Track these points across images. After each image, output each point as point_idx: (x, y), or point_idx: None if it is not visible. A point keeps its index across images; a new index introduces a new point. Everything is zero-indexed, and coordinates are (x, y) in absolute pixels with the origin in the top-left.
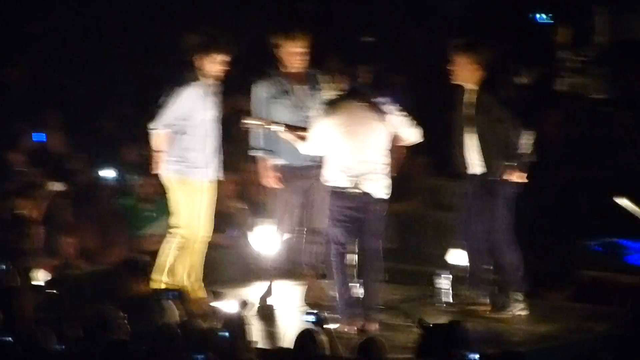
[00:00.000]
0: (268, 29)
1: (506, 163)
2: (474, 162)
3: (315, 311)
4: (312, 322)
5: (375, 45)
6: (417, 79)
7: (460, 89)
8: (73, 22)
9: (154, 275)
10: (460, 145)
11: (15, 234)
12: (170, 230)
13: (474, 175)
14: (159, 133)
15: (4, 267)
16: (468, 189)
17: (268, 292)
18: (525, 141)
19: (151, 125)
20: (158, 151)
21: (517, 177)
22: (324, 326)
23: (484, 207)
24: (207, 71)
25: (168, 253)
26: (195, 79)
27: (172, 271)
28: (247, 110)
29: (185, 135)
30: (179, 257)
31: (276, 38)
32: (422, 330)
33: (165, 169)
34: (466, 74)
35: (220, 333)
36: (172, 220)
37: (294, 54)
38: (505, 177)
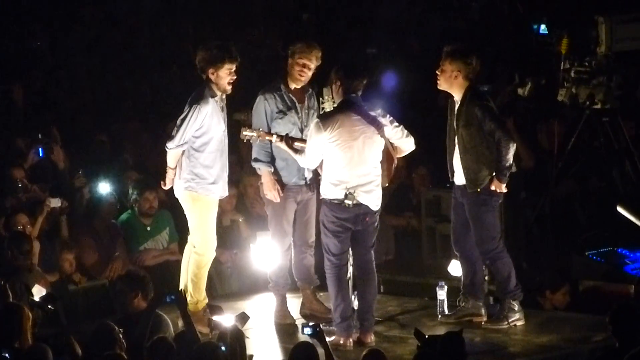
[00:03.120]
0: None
1: (492, 175)
2: (459, 172)
3: (312, 323)
4: (309, 335)
5: (377, 56)
6: (418, 89)
7: (451, 98)
8: (76, 38)
9: (195, 296)
10: (450, 155)
11: (13, 250)
12: (190, 248)
13: (459, 186)
14: (176, 151)
15: None
16: (456, 199)
17: (266, 306)
18: (510, 153)
19: (170, 145)
20: (172, 169)
21: (503, 188)
22: (321, 338)
23: (472, 218)
24: (221, 84)
25: (190, 271)
26: (213, 94)
27: (198, 288)
28: (244, 122)
29: (197, 152)
30: (199, 274)
31: (293, 45)
32: (419, 341)
33: (179, 187)
34: (449, 82)
35: (218, 346)
36: (190, 238)
37: (303, 65)
38: (492, 188)
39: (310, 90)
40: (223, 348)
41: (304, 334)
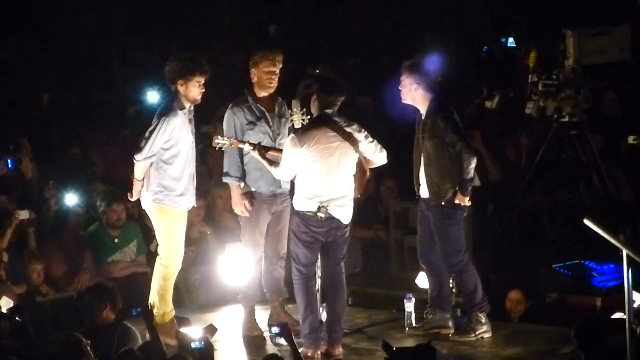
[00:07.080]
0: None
1: (456, 188)
2: (424, 185)
3: (279, 324)
4: (277, 334)
5: (350, 68)
6: (388, 102)
7: (419, 111)
8: (46, 50)
9: (161, 308)
10: (416, 168)
11: None
12: (157, 259)
13: (424, 199)
14: (144, 163)
15: None
16: (422, 212)
17: (234, 317)
18: (472, 166)
19: (138, 156)
20: (139, 180)
21: (466, 201)
22: (289, 337)
23: (437, 231)
24: (190, 95)
25: (156, 283)
26: (181, 106)
27: (164, 300)
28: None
29: (165, 164)
30: (165, 286)
31: (254, 56)
32: (387, 353)
33: (146, 199)
34: (410, 95)
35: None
36: (158, 249)
37: (270, 72)
38: (455, 201)
39: (280, 99)
40: (198, 344)
41: (272, 333)
